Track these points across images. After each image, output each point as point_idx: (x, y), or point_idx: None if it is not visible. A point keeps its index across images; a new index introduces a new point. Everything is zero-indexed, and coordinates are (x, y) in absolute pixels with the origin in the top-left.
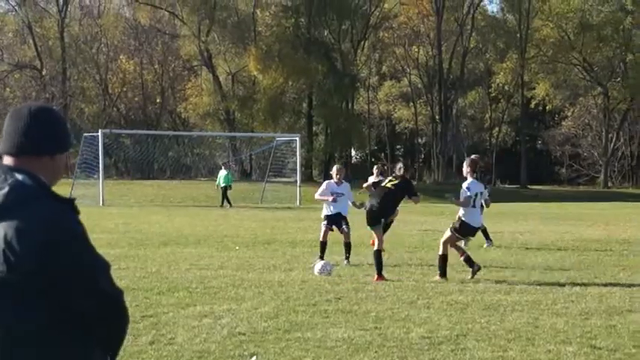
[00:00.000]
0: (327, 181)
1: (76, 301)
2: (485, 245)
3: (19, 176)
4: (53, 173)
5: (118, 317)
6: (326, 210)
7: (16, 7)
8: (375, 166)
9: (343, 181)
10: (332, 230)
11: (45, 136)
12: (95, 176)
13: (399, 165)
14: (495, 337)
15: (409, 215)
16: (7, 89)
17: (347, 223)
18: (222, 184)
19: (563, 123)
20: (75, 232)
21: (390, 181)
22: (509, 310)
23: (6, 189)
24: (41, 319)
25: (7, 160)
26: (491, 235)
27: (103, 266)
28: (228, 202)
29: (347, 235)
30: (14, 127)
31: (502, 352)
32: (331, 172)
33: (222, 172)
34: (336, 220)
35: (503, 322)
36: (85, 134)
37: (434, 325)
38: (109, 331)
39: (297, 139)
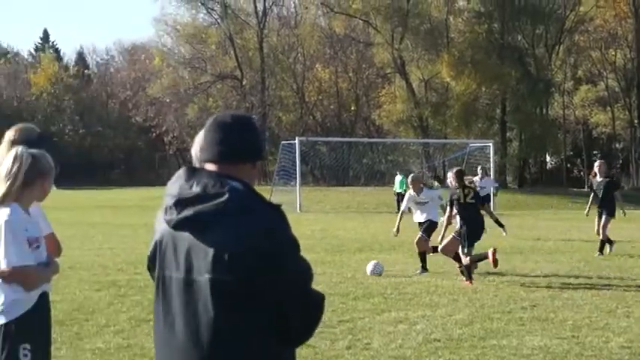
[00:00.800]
0: (408, 193)
1: (285, 305)
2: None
3: (234, 183)
4: (251, 180)
5: (316, 321)
6: (418, 217)
7: (219, 20)
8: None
9: (423, 189)
10: (428, 239)
11: (248, 144)
12: (292, 183)
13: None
14: None
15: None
16: (210, 99)
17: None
18: (398, 190)
19: None
20: (290, 240)
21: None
22: None
23: (226, 196)
24: (251, 322)
25: (211, 167)
26: None
27: (309, 272)
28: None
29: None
30: (218, 136)
31: None
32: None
33: (398, 178)
34: (426, 228)
35: None
36: (283, 142)
37: (634, 335)
38: (304, 332)
39: (491, 145)
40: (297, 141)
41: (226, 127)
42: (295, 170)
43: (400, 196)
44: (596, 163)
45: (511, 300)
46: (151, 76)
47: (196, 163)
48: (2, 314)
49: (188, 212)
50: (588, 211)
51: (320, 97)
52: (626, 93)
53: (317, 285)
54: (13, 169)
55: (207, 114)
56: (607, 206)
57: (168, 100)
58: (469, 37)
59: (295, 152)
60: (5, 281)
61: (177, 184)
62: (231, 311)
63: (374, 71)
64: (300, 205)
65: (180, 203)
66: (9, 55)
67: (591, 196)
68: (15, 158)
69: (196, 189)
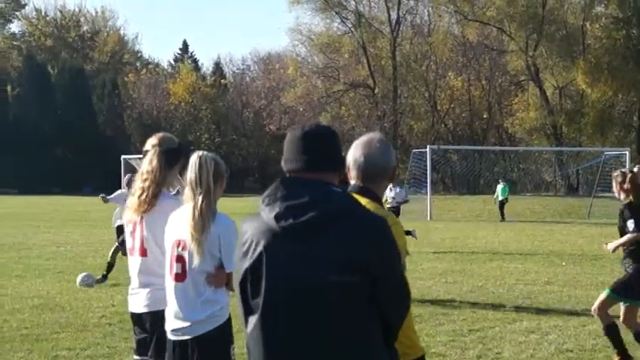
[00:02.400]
0: None
1: (390, 303)
2: None
3: (337, 189)
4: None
5: (406, 315)
6: None
7: (352, 29)
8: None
9: None
10: None
11: (336, 152)
12: (423, 191)
13: None
14: None
15: None
16: (343, 108)
17: None
18: (501, 197)
19: None
20: (395, 241)
21: None
22: None
23: (335, 202)
24: (372, 320)
25: (310, 176)
26: None
27: (404, 271)
28: (502, 216)
29: None
30: (314, 145)
31: None
32: None
33: (500, 186)
34: None
35: None
36: (414, 150)
37: None
38: (399, 327)
39: (627, 153)
40: (428, 149)
41: (321, 137)
42: (426, 178)
43: (501, 204)
44: None
45: None
46: (285, 85)
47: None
48: (220, 316)
49: (303, 218)
50: None
51: (452, 106)
52: None
53: (447, 294)
54: (203, 175)
55: (340, 122)
56: None
57: (301, 109)
58: (606, 43)
59: (426, 160)
60: (225, 285)
61: (278, 193)
62: (357, 311)
63: (507, 79)
64: (430, 213)
65: (292, 210)
66: (150, 66)
67: None
68: (201, 164)
69: (304, 197)
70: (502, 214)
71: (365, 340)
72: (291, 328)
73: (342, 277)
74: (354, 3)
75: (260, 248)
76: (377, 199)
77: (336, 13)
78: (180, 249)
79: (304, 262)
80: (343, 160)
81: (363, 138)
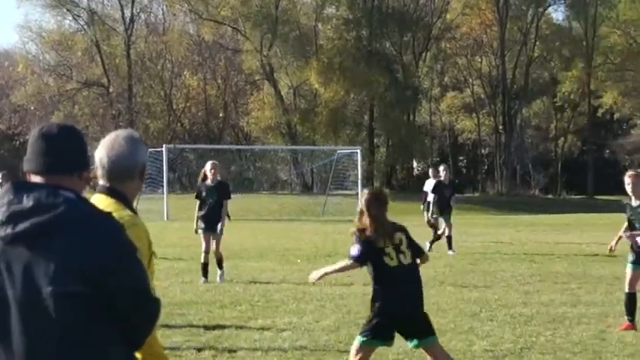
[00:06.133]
0: None
1: (128, 308)
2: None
3: (67, 193)
4: (80, 190)
5: (154, 321)
6: None
7: (85, 27)
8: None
9: None
10: None
11: (74, 154)
12: (160, 191)
13: None
14: (561, 351)
15: (472, 228)
16: (76, 107)
17: None
18: None
19: (633, 131)
20: (129, 245)
21: None
22: (575, 322)
23: (61, 207)
24: (100, 329)
25: (39, 179)
26: (556, 247)
27: (147, 275)
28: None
29: None
30: (45, 146)
31: None
32: None
33: None
34: None
35: (569, 335)
36: (150, 149)
37: (497, 339)
38: (144, 332)
39: (359, 151)
40: (164, 148)
41: (52, 138)
42: (162, 178)
43: None
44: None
45: None
46: (15, 83)
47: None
48: None
49: (24, 226)
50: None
51: (188, 105)
52: (492, 99)
53: (184, 294)
54: None
55: (74, 122)
56: None
57: (32, 108)
58: (338, 43)
59: (162, 160)
60: None
61: (5, 198)
62: (81, 321)
63: (242, 78)
64: (167, 213)
65: (13, 218)
66: None
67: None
68: None
69: (28, 202)
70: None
71: (102, 356)
72: (22, 344)
73: (71, 288)
74: (86, 0)
75: None
76: (124, 199)
77: (68, 10)
78: None
79: (28, 273)
80: (87, 161)
81: (110, 136)
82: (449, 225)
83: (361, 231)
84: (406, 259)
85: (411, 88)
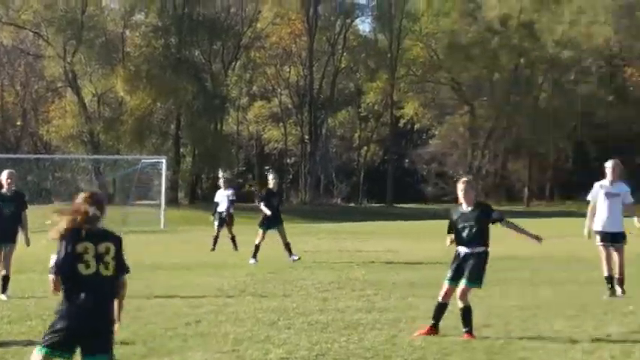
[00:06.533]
0: None
1: None
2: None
3: None
4: None
5: None
6: None
7: None
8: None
9: None
10: None
11: None
12: None
13: None
14: (353, 356)
15: (274, 236)
16: None
17: None
18: None
19: (431, 141)
20: None
21: None
22: (369, 328)
23: None
24: None
25: None
26: (356, 254)
27: None
28: None
29: None
30: None
31: None
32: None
33: None
34: None
35: (362, 341)
36: None
37: (293, 346)
38: None
39: (164, 160)
40: None
41: None
42: None
43: None
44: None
45: (175, 316)
46: None
47: None
48: None
49: None
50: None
51: None
52: (299, 109)
53: None
54: None
55: None
56: None
57: None
58: (145, 51)
59: None
60: None
61: None
62: None
63: (43, 85)
64: None
65: None
66: None
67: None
68: None
69: None
70: None
71: None
72: None
73: None
74: None
75: None
76: None
77: None
78: None
79: None
80: None
81: None
82: (283, 234)
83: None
84: (106, 271)
85: (219, 96)
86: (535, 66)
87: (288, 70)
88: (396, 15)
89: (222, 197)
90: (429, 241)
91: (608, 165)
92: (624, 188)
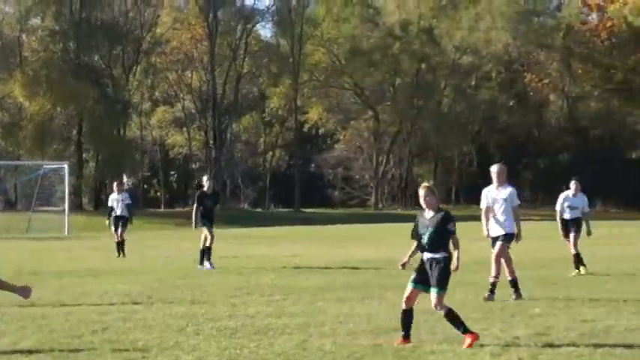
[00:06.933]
0: None
1: None
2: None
3: None
4: None
5: None
6: None
7: None
8: None
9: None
10: None
11: None
12: None
13: None
14: None
15: (183, 242)
16: None
17: None
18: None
19: (336, 146)
20: None
21: None
22: (279, 333)
23: None
24: None
25: None
26: (264, 259)
27: None
28: None
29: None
30: None
31: None
32: None
33: None
34: None
35: (272, 346)
36: None
37: (203, 352)
38: None
39: (66, 166)
40: None
41: None
42: None
43: None
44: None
45: (82, 324)
46: None
47: None
48: None
49: None
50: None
51: None
52: (202, 114)
53: None
54: None
55: None
56: None
57: None
58: (43, 56)
59: None
60: None
61: None
62: None
63: None
64: None
65: None
66: None
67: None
68: None
69: None
70: None
71: None
72: None
73: None
74: None
75: None
76: None
77: None
78: None
79: None
80: None
81: None
82: (212, 236)
83: None
84: None
85: (121, 102)
86: (437, 71)
87: (190, 75)
88: (297, 20)
89: (117, 201)
90: (337, 246)
91: (494, 170)
92: (511, 191)
